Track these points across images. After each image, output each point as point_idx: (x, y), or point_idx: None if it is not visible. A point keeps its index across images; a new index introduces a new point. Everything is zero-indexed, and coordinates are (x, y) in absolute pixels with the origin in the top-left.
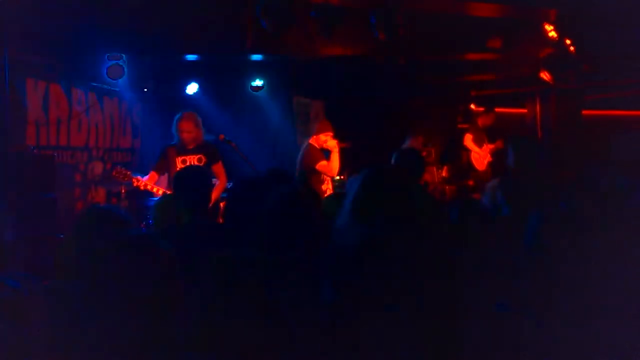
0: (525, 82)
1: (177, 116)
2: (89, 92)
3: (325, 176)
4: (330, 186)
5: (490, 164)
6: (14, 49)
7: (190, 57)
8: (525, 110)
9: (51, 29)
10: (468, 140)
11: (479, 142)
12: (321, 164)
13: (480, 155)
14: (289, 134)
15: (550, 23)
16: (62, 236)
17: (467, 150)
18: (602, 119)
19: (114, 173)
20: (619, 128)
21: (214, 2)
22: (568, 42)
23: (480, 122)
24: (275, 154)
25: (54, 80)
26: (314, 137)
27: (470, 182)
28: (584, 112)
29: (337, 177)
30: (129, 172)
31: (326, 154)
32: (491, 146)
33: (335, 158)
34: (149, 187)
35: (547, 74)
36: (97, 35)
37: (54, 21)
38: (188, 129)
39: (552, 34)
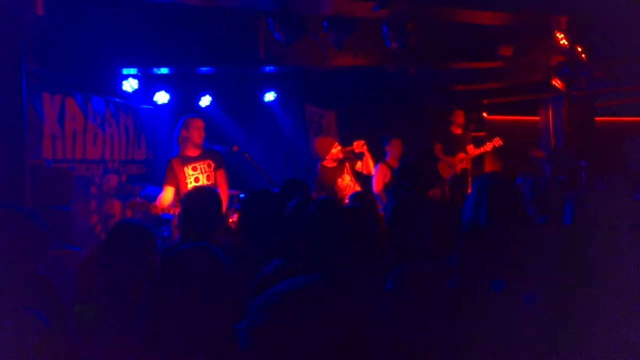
0: (537, 90)
1: (185, 119)
2: (104, 105)
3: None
4: (346, 193)
5: (464, 170)
6: (30, 64)
7: (204, 69)
8: (538, 118)
9: (67, 43)
10: (437, 149)
11: (451, 151)
12: (357, 167)
13: (448, 164)
14: (301, 144)
15: (561, 31)
16: (78, 249)
17: (438, 160)
18: (614, 125)
19: (131, 206)
20: (631, 134)
21: (227, 15)
22: (579, 49)
23: (453, 129)
24: (288, 164)
25: (69, 94)
26: (326, 160)
27: (431, 193)
28: (596, 118)
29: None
30: (145, 202)
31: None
32: (477, 151)
33: (368, 159)
34: (166, 210)
35: (558, 81)
36: (112, 49)
37: (69, 35)
38: (200, 126)
39: (564, 41)
